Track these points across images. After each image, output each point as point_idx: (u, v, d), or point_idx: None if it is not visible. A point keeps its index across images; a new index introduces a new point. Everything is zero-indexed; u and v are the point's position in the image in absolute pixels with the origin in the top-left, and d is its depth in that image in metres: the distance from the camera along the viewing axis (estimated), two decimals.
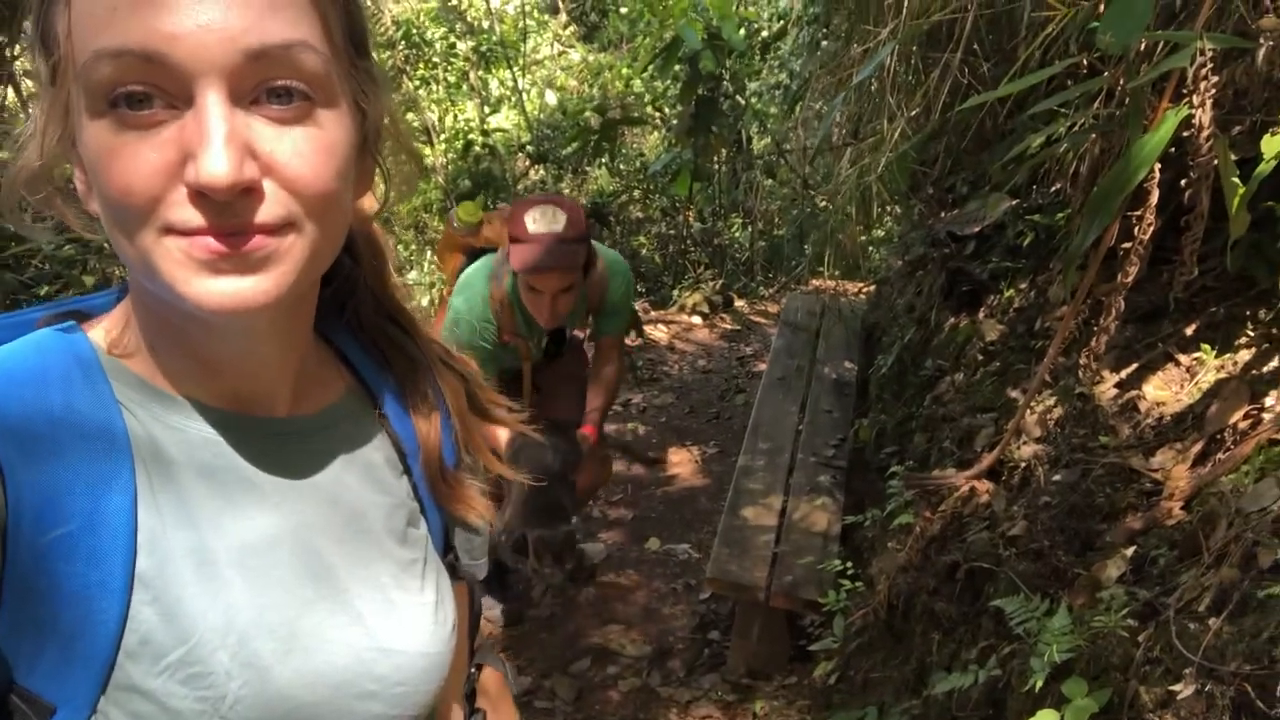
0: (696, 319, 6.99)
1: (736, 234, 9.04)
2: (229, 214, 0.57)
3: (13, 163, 0.64)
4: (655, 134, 9.14)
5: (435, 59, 8.32)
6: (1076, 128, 2.33)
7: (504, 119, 8.44)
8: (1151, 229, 1.94)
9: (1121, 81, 2.01)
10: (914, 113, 2.50)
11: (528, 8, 8.44)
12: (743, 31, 7.05)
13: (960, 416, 2.58)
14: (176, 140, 0.56)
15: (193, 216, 0.56)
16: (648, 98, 8.78)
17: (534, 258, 2.32)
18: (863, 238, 8.60)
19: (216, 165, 0.54)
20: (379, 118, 0.68)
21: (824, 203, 9.19)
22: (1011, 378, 2.50)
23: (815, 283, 8.11)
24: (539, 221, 2.31)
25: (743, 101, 7.88)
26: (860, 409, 3.93)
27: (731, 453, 4.91)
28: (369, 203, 0.74)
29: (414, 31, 8.06)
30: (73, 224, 0.67)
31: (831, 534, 3.16)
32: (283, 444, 0.73)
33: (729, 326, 7.09)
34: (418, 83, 8.21)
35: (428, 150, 7.57)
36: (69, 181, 0.66)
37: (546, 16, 9.59)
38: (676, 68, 7.05)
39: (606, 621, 3.62)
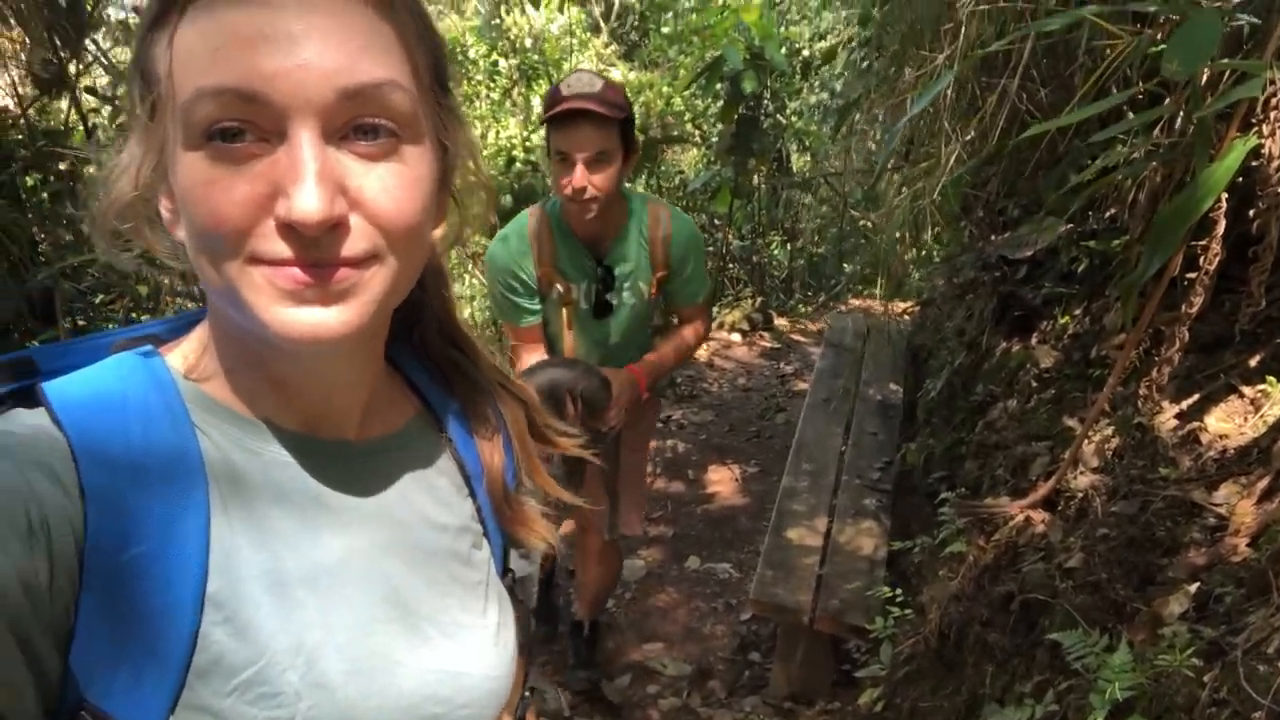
0: (736, 336, 6.98)
1: (775, 252, 9.02)
2: (316, 247, 0.58)
3: (107, 194, 0.66)
4: (694, 151, 9.16)
5: (478, 76, 8.41)
6: (1136, 155, 2.30)
7: None
8: (1218, 259, 1.91)
9: (1184, 109, 1.99)
10: (968, 137, 2.48)
11: (573, 27, 8.49)
12: (784, 51, 7.06)
13: (1014, 444, 2.55)
14: (268, 174, 0.58)
15: (280, 248, 0.58)
16: (688, 116, 8.81)
17: (564, 110, 2.10)
18: (906, 258, 8.56)
19: (309, 202, 0.56)
20: (458, 153, 0.70)
21: (864, 222, 9.19)
22: (1067, 406, 2.47)
23: (855, 302, 8.07)
24: (574, 85, 2.13)
25: (783, 120, 7.88)
26: (906, 432, 3.89)
27: (772, 472, 4.89)
28: (438, 232, 0.76)
29: (457, 49, 8.16)
30: (158, 251, 0.69)
31: (877, 559, 3.14)
32: (354, 466, 0.75)
33: (768, 344, 7.07)
34: (461, 100, 8.30)
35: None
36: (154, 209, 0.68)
37: (589, 35, 9.67)
38: (718, 86, 7.07)
39: (647, 639, 3.61)
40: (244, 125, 0.57)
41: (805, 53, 8.42)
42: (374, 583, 0.72)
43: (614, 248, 2.37)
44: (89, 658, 0.59)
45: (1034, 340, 2.95)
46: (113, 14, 5.46)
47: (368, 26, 0.60)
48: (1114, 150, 2.54)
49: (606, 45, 10.05)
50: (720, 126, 7.55)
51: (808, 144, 8.92)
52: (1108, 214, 2.87)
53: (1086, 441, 2.28)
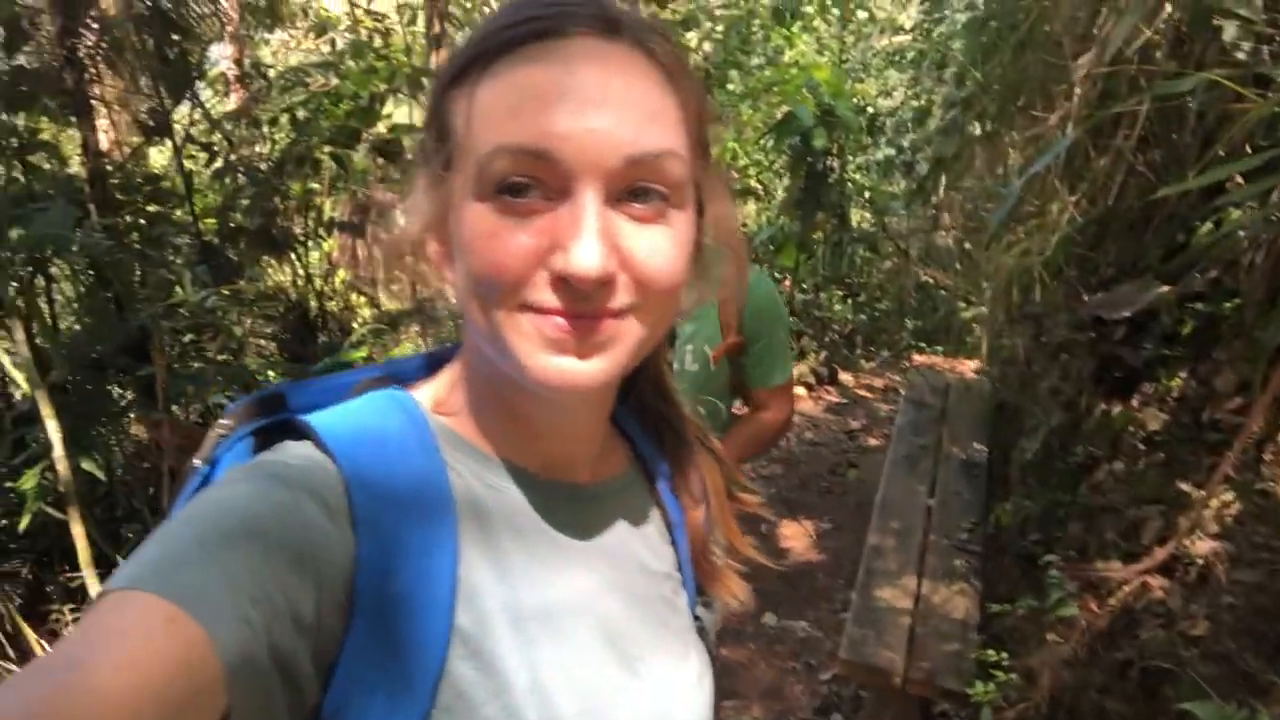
0: (801, 390, 6.96)
1: (837, 307, 9.01)
2: (585, 300, 0.61)
3: (394, 231, 0.71)
4: (756, 203, 9.23)
5: None
6: (1254, 217, 2.29)
7: None
8: None
9: None
10: (1075, 197, 2.49)
11: None
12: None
13: (1124, 507, 2.50)
14: (548, 229, 0.60)
15: (550, 299, 0.61)
16: (753, 171, 8.90)
17: None
18: (968, 314, 8.52)
19: (589, 258, 0.59)
20: (714, 217, 0.72)
21: (928, 279, 9.16)
22: (1179, 469, 2.43)
23: (919, 358, 8.01)
24: None
25: (849, 178, 7.93)
26: (994, 493, 3.84)
27: (846, 529, 4.84)
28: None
29: None
30: (428, 285, 0.73)
31: (970, 622, 3.08)
32: (583, 508, 0.77)
33: (835, 399, 7.03)
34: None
35: None
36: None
37: None
38: (787, 141, 7.15)
39: (725, 696, 3.56)
40: (532, 181, 0.60)
41: (870, 109, 8.50)
42: (600, 624, 0.74)
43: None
44: (348, 685, 0.61)
45: (1136, 402, 2.91)
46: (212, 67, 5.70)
47: (656, 96, 0.63)
48: (1227, 214, 2.53)
49: None
50: (786, 180, 7.62)
51: (870, 199, 8.95)
52: (1210, 276, 2.84)
53: (1204, 507, 2.23)
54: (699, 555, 0.88)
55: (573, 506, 0.76)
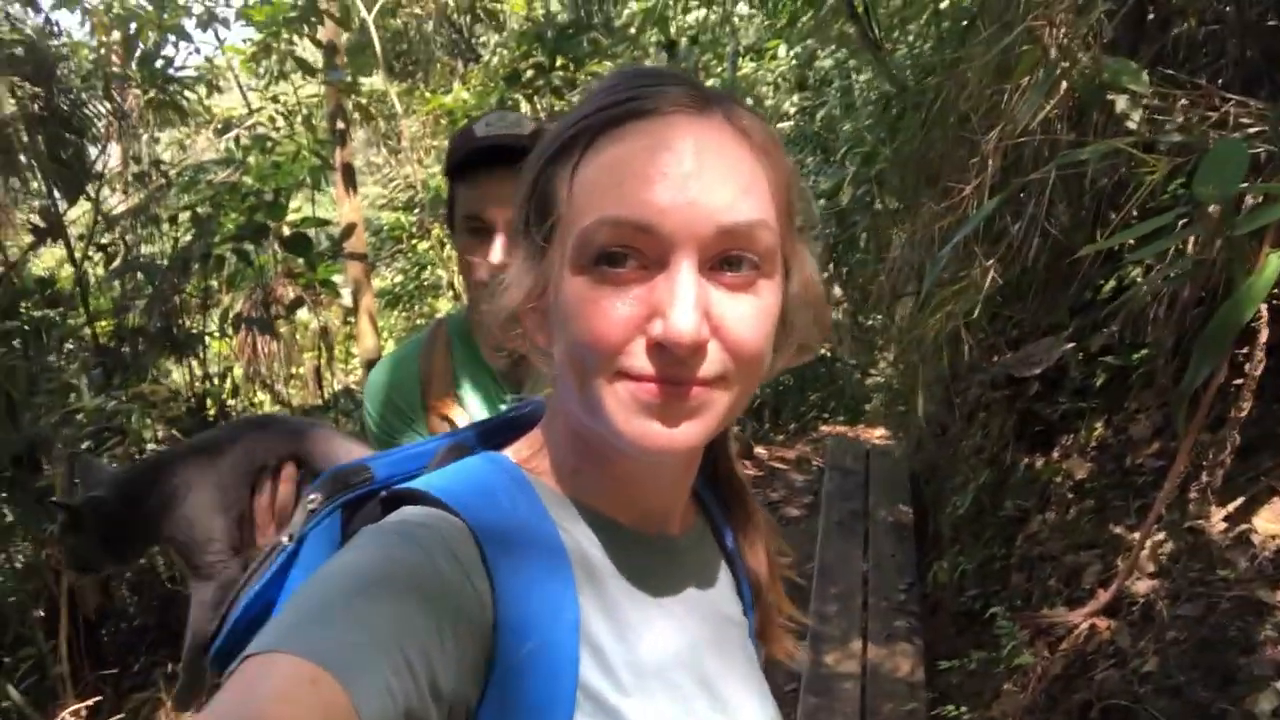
0: None
1: None
2: (679, 366, 0.63)
3: (497, 302, 0.72)
4: None
5: None
6: (1155, 273, 2.47)
7: None
8: (1262, 365, 2.04)
9: (1217, 229, 2.16)
10: (992, 261, 2.63)
11: None
12: None
13: (1061, 554, 2.60)
14: (645, 299, 0.63)
15: (646, 365, 0.63)
16: None
17: (478, 150, 1.44)
18: (869, 383, 8.78)
19: (686, 324, 0.61)
20: (800, 283, 0.74)
21: (825, 352, 9.45)
22: (1112, 515, 2.54)
23: (824, 428, 8.19)
24: (493, 123, 1.49)
25: None
26: (925, 552, 3.93)
27: None
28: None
29: None
30: (530, 351, 0.74)
31: (916, 680, 3.12)
32: (675, 560, 0.78)
33: (753, 473, 7.10)
34: None
35: None
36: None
37: None
38: None
39: None
40: (630, 251, 0.63)
41: None
42: (697, 673, 0.74)
43: (539, 375, 1.50)
44: None
45: (1056, 454, 3.04)
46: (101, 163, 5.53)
47: (748, 169, 0.66)
48: (1128, 271, 2.72)
49: None
50: None
51: None
52: (1114, 330, 3.03)
53: (1140, 548, 2.34)
54: (762, 613, 0.89)
55: (667, 559, 0.77)
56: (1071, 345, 3.17)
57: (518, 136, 1.43)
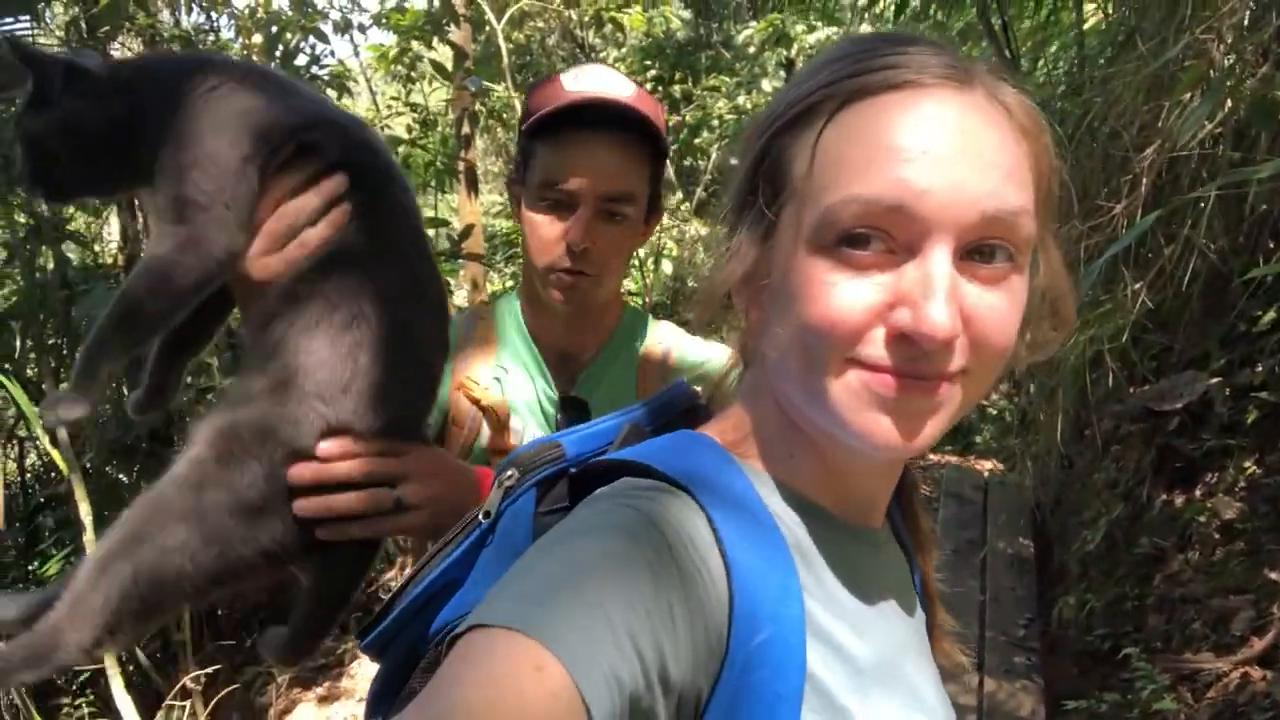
0: None
1: None
2: (924, 361, 0.58)
3: (716, 272, 0.69)
4: None
5: None
6: None
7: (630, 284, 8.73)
8: None
9: None
10: (1141, 285, 2.52)
11: None
12: None
13: (1207, 597, 2.46)
14: (891, 285, 0.58)
15: (884, 356, 0.58)
16: None
17: (573, 107, 1.22)
18: (977, 414, 8.51)
19: (940, 318, 0.56)
20: (1048, 275, 0.69)
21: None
22: (1266, 558, 2.39)
23: (933, 457, 7.96)
24: (586, 79, 1.27)
25: None
26: (1047, 588, 3.77)
27: None
28: None
29: None
30: (741, 327, 0.72)
31: (1038, 718, 2.98)
32: (878, 552, 0.75)
33: None
34: None
35: None
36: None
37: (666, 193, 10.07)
38: None
39: None
40: (877, 234, 0.58)
41: None
42: (900, 670, 0.71)
43: (591, 369, 1.38)
44: None
45: (1199, 492, 2.88)
46: None
47: (1010, 150, 0.60)
48: None
49: (680, 204, 10.46)
50: None
51: None
52: (1271, 364, 2.86)
53: None
54: (931, 614, 0.85)
55: (872, 551, 0.74)
56: (1218, 380, 3.01)
57: (616, 101, 1.23)
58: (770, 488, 0.68)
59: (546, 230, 1.27)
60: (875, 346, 0.59)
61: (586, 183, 1.23)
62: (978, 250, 0.60)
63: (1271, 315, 2.63)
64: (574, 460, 0.71)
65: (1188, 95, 2.37)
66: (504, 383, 1.35)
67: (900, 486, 0.86)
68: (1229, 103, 2.34)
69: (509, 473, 0.71)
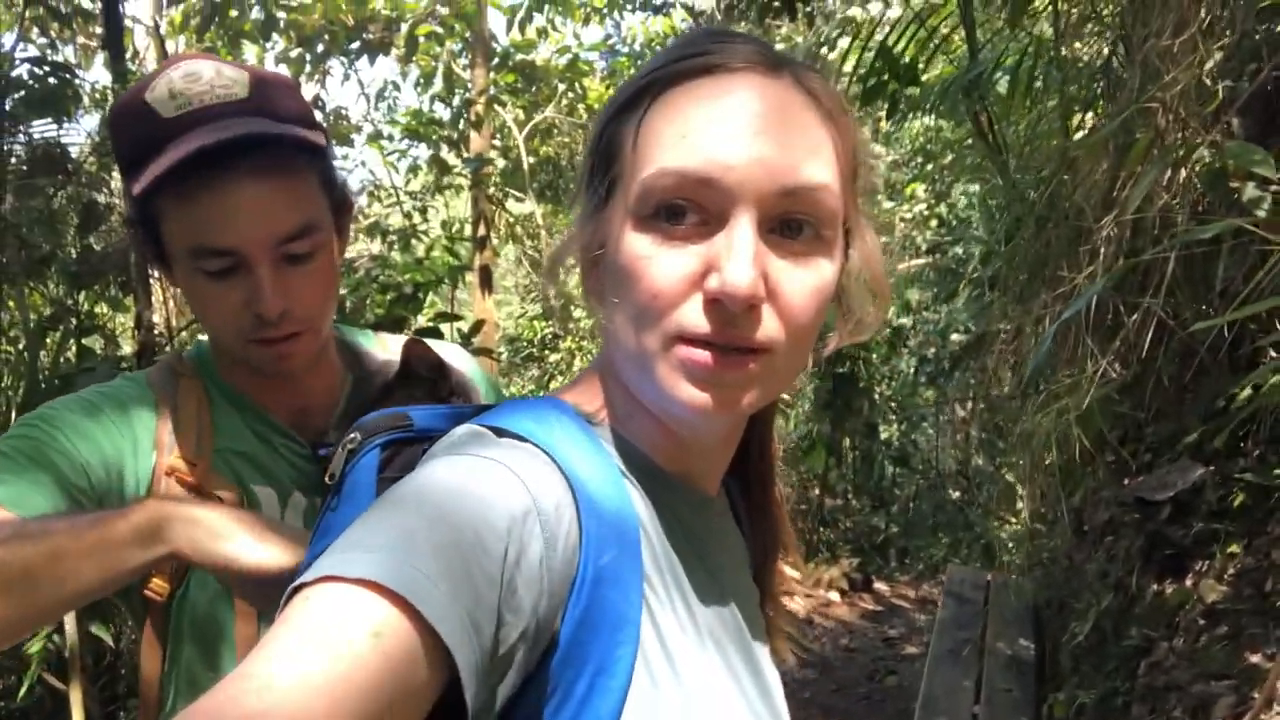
0: (835, 595, 6.70)
1: (874, 520, 8.83)
2: (733, 324, 0.62)
3: (557, 262, 0.76)
4: (783, 404, 9.26)
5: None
6: None
7: None
8: None
9: None
10: (1106, 360, 2.47)
11: None
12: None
13: (1189, 684, 2.32)
14: (703, 254, 0.63)
15: (701, 322, 0.63)
16: None
17: (194, 152, 0.93)
18: (1003, 533, 8.28)
19: (742, 276, 0.60)
20: (861, 257, 0.73)
21: (955, 494, 9.02)
22: (1247, 642, 2.26)
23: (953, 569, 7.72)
24: (177, 85, 0.98)
25: (875, 389, 8.01)
26: (1043, 691, 3.57)
27: None
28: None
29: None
30: (588, 306, 0.76)
31: None
32: (714, 519, 0.79)
33: (870, 606, 6.74)
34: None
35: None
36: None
37: None
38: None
39: None
40: (690, 205, 0.63)
41: (891, 325, 8.69)
42: (737, 631, 0.76)
43: (337, 420, 1.12)
44: (562, 669, 0.59)
45: (1189, 581, 2.75)
46: None
47: (814, 131, 0.66)
48: (1266, 379, 2.49)
49: None
50: (814, 383, 7.69)
51: (898, 406, 8.99)
52: (1255, 451, 2.76)
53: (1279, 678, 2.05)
54: (767, 595, 0.87)
55: (708, 516, 0.77)
56: (1205, 469, 2.91)
57: (231, 104, 0.97)
58: (619, 450, 0.72)
59: (222, 302, 1.01)
60: (693, 314, 0.63)
61: (249, 234, 0.97)
62: (785, 225, 0.64)
63: (1248, 392, 2.56)
64: (421, 432, 0.73)
65: (1138, 167, 2.38)
66: (248, 469, 1.09)
67: (757, 472, 0.88)
68: (1183, 173, 2.35)
69: (352, 435, 0.73)
